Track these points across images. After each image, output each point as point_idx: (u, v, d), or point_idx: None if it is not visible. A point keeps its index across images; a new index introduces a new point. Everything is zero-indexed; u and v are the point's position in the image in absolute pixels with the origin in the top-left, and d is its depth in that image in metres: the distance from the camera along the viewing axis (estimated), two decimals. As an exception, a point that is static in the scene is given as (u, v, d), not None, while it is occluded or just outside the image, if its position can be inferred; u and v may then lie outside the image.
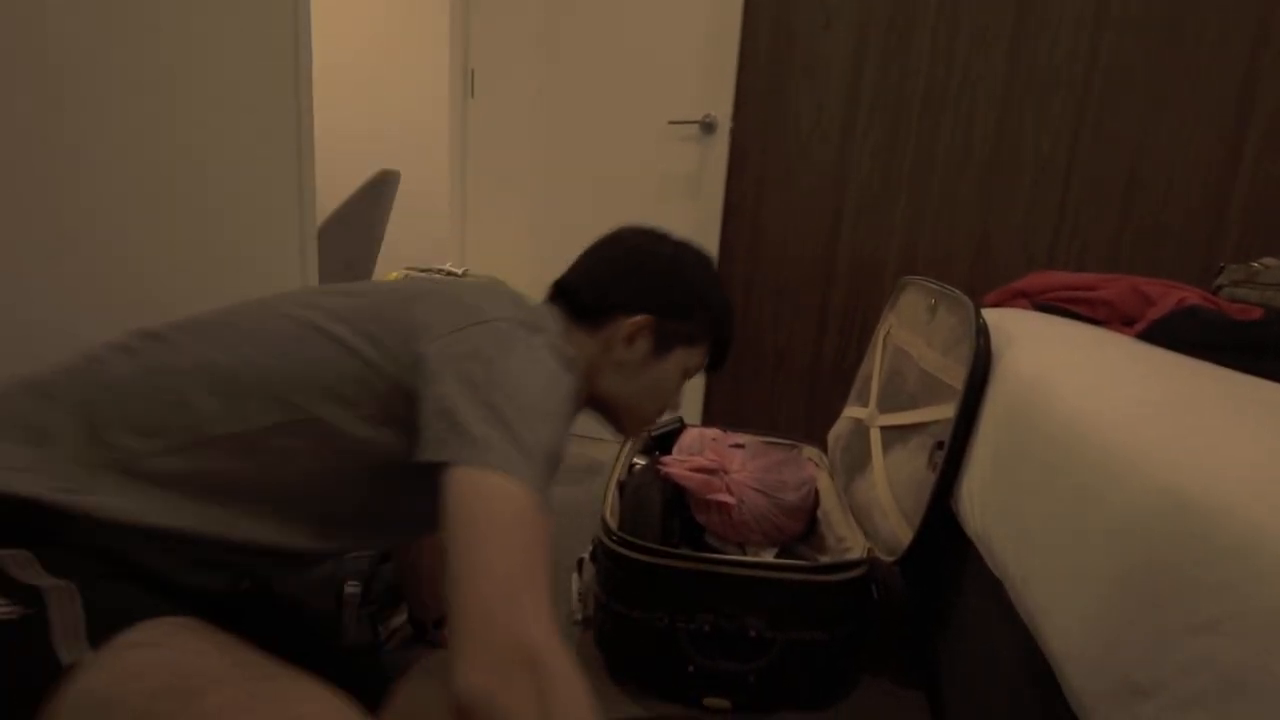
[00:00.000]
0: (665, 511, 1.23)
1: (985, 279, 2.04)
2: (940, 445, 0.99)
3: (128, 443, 0.57)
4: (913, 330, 1.29)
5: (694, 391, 2.33)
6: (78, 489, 0.54)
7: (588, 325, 0.79)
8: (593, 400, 0.82)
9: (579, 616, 1.27)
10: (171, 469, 0.57)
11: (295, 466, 0.61)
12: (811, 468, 1.40)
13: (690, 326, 0.83)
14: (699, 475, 1.26)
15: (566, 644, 0.48)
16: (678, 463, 1.30)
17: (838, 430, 1.54)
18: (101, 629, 0.48)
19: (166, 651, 0.48)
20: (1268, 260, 1.18)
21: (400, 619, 1.10)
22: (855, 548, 1.17)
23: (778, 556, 1.28)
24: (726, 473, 1.28)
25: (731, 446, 1.38)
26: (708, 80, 2.12)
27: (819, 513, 1.36)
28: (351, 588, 1.01)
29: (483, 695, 0.44)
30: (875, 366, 1.44)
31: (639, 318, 0.78)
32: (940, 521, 0.98)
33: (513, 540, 0.49)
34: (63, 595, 0.49)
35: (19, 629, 0.47)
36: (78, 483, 0.54)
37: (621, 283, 0.80)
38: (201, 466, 0.58)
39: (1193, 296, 1.07)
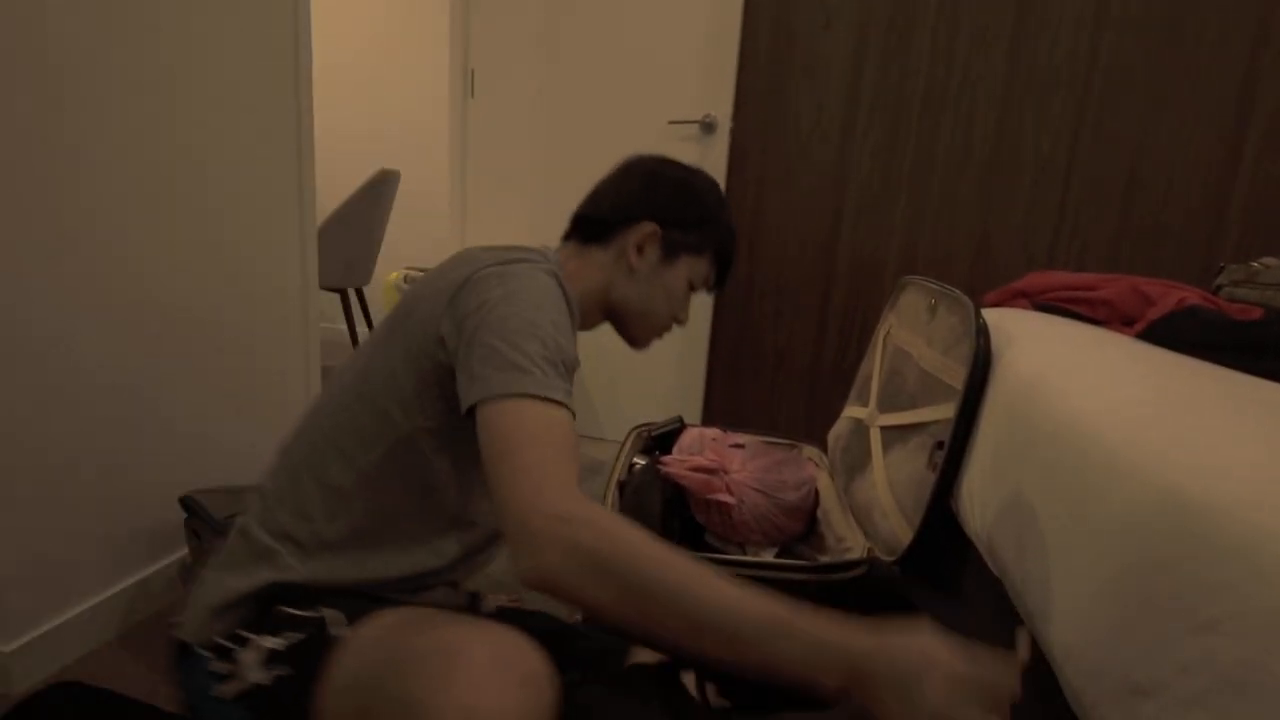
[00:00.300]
0: (665, 511, 1.23)
1: (985, 279, 2.05)
2: (940, 445, 0.99)
3: (301, 529, 0.72)
4: (913, 330, 1.29)
5: (694, 391, 2.33)
6: (307, 571, 0.71)
7: (601, 242, 0.86)
8: (609, 310, 0.88)
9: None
10: (337, 535, 0.72)
11: (412, 483, 0.72)
12: (811, 467, 1.40)
13: (695, 237, 0.87)
14: (699, 475, 1.26)
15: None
16: (678, 462, 1.30)
17: (837, 430, 1.54)
18: (355, 618, 0.65)
19: (396, 614, 0.65)
20: (1268, 260, 1.18)
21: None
22: (855, 548, 1.17)
23: (777, 556, 1.28)
24: (726, 472, 1.28)
25: (731, 446, 1.38)
26: (708, 80, 2.12)
27: (819, 513, 1.36)
28: None
29: (542, 569, 0.53)
30: (875, 366, 1.44)
31: (646, 226, 0.85)
32: (940, 521, 0.98)
33: (524, 444, 0.58)
34: (332, 612, 0.67)
35: (311, 639, 0.64)
36: (307, 568, 0.71)
37: (631, 198, 0.86)
38: (353, 524, 0.72)
39: (1193, 296, 1.07)
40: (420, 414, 0.70)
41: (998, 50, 1.93)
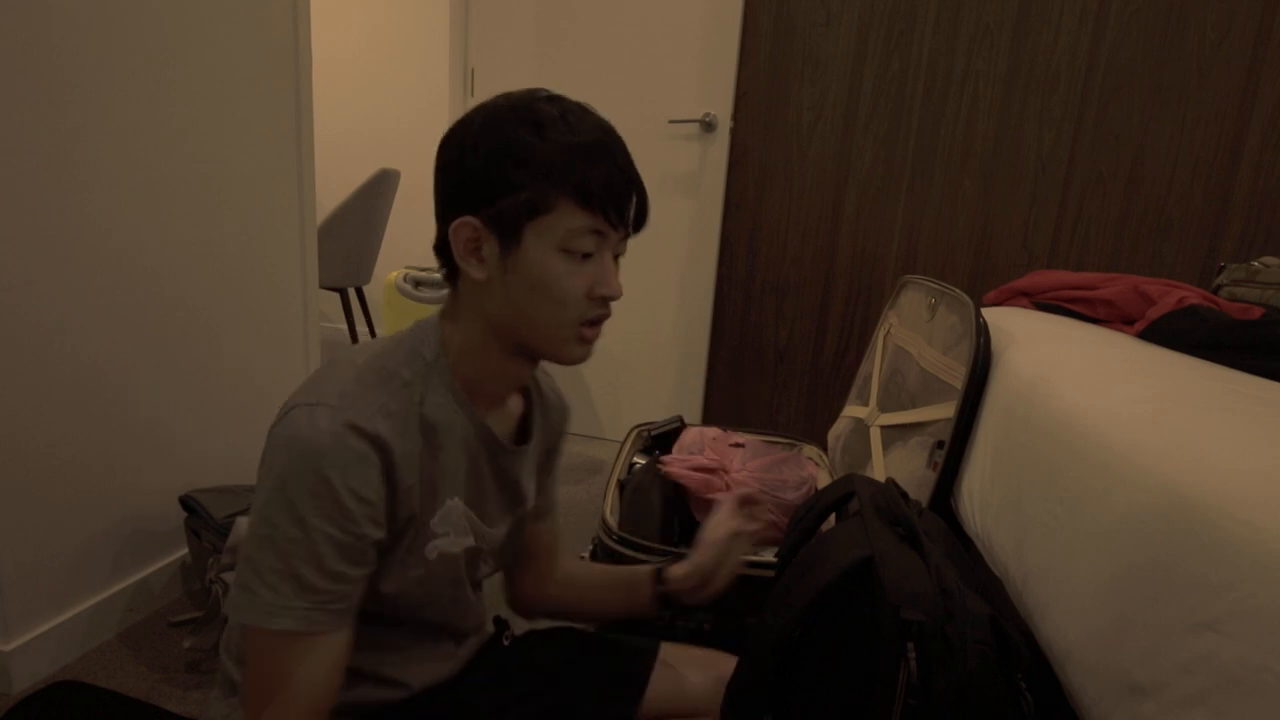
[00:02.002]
0: (665, 511, 1.23)
1: (985, 277, 2.05)
2: (940, 444, 0.99)
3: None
4: (913, 329, 1.29)
5: (694, 391, 2.33)
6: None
7: (453, 275, 0.66)
8: (509, 344, 0.66)
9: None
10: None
11: (398, 601, 0.68)
12: (811, 467, 1.40)
13: (521, 195, 0.61)
14: (699, 474, 1.26)
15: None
16: (678, 462, 1.30)
17: (838, 429, 1.54)
18: None
19: None
20: (1268, 259, 1.18)
21: None
22: (855, 547, 1.17)
23: (777, 557, 1.28)
24: (726, 472, 1.28)
25: (731, 446, 1.38)
26: (708, 79, 2.12)
27: (819, 512, 1.36)
28: None
29: None
30: (875, 365, 1.44)
31: (459, 223, 0.62)
32: (940, 521, 0.98)
33: (252, 690, 0.59)
34: None
35: None
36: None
37: (438, 203, 0.65)
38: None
39: (1193, 296, 1.07)
40: None
41: (999, 47, 1.93)
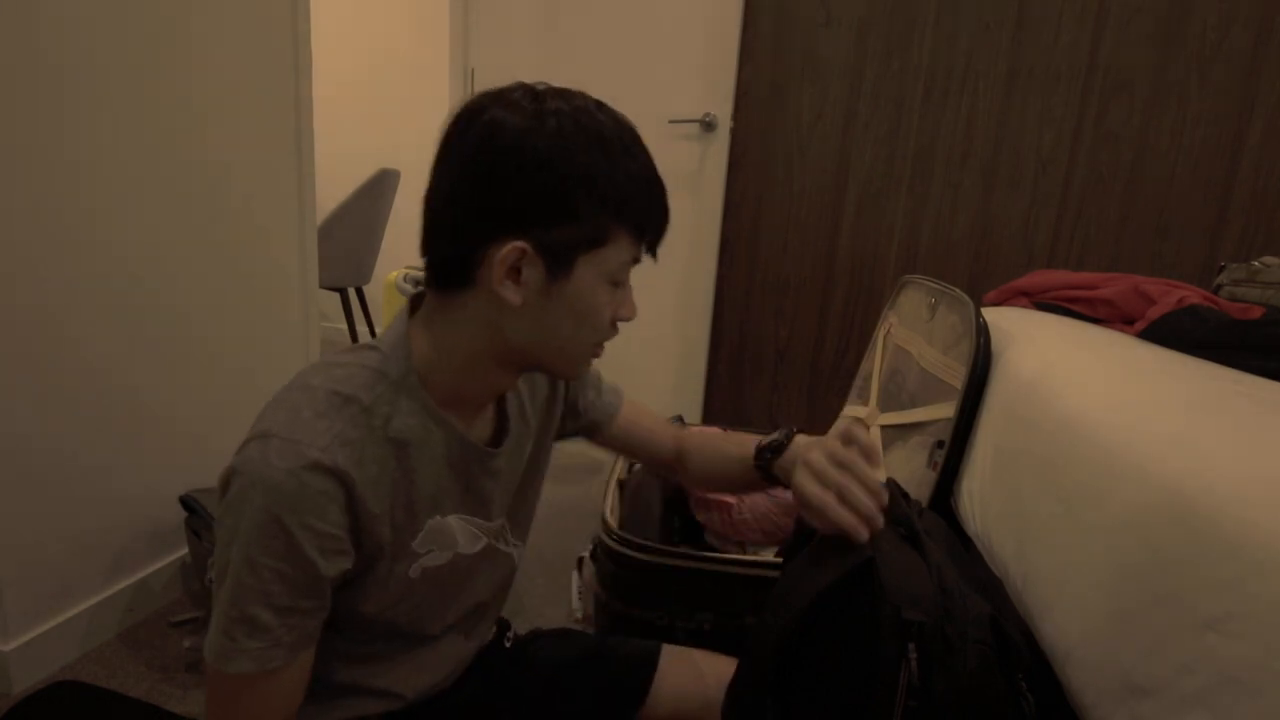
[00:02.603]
0: (665, 510, 1.23)
1: (985, 276, 2.04)
2: (940, 444, 0.99)
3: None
4: (913, 329, 1.29)
5: (694, 390, 2.33)
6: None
7: (464, 284, 0.60)
8: (515, 361, 0.64)
9: (579, 615, 1.27)
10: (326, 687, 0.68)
11: (359, 625, 0.66)
12: (812, 467, 1.39)
13: (584, 227, 0.58)
14: (699, 474, 1.26)
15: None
16: (678, 462, 1.29)
17: (838, 429, 1.53)
18: None
19: None
20: (1268, 259, 1.18)
21: None
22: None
23: (777, 555, 1.28)
24: (727, 472, 1.28)
25: (732, 445, 1.38)
26: (708, 79, 2.12)
27: (819, 512, 1.35)
28: None
29: None
30: (875, 365, 1.44)
31: (507, 247, 0.56)
32: (940, 520, 0.98)
33: (209, 711, 0.58)
34: None
35: None
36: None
37: (474, 214, 0.58)
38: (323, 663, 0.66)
39: (1193, 296, 1.07)
40: None
41: (999, 47, 1.93)
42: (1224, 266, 1.23)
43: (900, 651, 0.55)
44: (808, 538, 0.71)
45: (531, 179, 0.56)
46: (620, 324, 0.65)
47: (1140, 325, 1.05)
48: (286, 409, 0.56)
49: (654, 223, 0.62)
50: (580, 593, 1.29)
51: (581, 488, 1.99)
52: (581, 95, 0.61)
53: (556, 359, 0.64)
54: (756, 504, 1.24)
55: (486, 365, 0.63)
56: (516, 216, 0.57)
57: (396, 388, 0.60)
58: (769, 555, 1.27)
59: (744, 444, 0.80)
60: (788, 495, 1.27)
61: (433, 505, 0.64)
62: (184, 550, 1.38)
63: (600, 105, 0.61)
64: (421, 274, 0.66)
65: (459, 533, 0.67)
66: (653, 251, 0.64)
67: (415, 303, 0.66)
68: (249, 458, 0.54)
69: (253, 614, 0.54)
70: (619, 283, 0.62)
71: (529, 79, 0.65)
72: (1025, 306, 1.30)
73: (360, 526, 0.57)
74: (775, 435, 0.77)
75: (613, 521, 1.15)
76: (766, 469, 0.77)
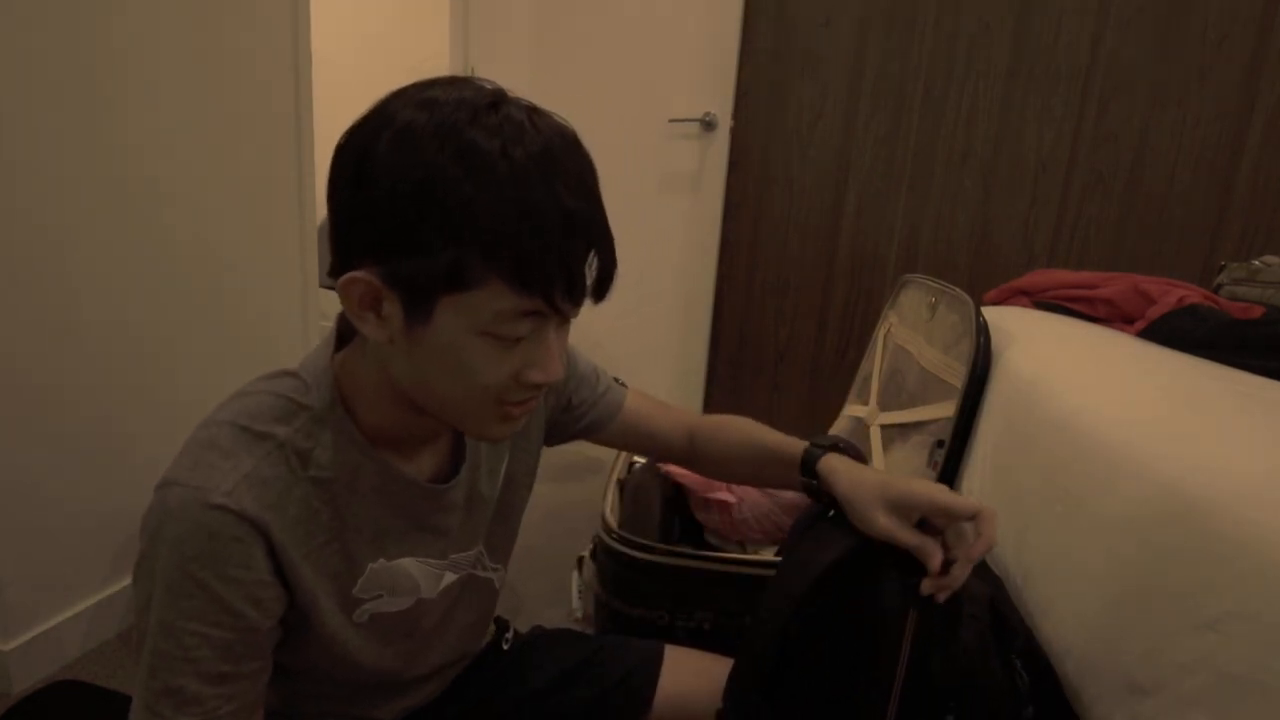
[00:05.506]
0: (665, 510, 1.23)
1: (986, 276, 2.04)
2: (940, 443, 0.99)
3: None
4: (913, 328, 1.29)
5: (694, 390, 2.33)
6: None
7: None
8: (423, 406, 0.54)
9: (578, 615, 1.27)
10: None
11: (316, 673, 0.63)
12: (812, 466, 1.39)
13: (436, 262, 0.45)
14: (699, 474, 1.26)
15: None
16: (678, 461, 1.29)
17: (837, 429, 1.54)
18: None
19: None
20: (1268, 258, 1.18)
21: None
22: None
23: (777, 554, 1.28)
24: (726, 471, 1.28)
25: (731, 445, 1.37)
26: (708, 78, 2.11)
27: (819, 511, 1.36)
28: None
29: None
30: (875, 364, 1.44)
31: (345, 277, 0.48)
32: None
33: None
34: None
35: None
36: None
37: (333, 233, 0.50)
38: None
39: (1193, 295, 1.07)
40: None
41: (999, 46, 1.93)
42: (1224, 266, 1.23)
43: (902, 613, 0.55)
44: (806, 530, 0.71)
45: (369, 198, 0.46)
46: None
47: (1140, 325, 1.05)
48: (192, 451, 0.51)
49: (545, 271, 0.46)
50: (580, 592, 1.29)
51: (581, 486, 1.99)
52: (492, 95, 0.48)
53: (451, 416, 0.54)
54: (757, 504, 1.24)
55: (400, 405, 0.54)
56: (357, 237, 0.48)
57: (319, 420, 0.53)
58: (769, 555, 1.27)
59: (787, 443, 0.72)
60: (788, 496, 1.27)
61: (374, 549, 0.58)
62: (184, 550, 1.38)
63: (532, 114, 0.49)
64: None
65: (419, 576, 0.61)
66: (572, 301, 0.49)
67: (341, 325, 0.58)
68: (151, 511, 0.49)
69: (178, 685, 0.48)
70: (502, 337, 0.48)
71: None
72: (1025, 306, 1.30)
73: (287, 573, 0.52)
74: (828, 444, 0.70)
75: (612, 521, 1.15)
76: (813, 489, 0.68)
